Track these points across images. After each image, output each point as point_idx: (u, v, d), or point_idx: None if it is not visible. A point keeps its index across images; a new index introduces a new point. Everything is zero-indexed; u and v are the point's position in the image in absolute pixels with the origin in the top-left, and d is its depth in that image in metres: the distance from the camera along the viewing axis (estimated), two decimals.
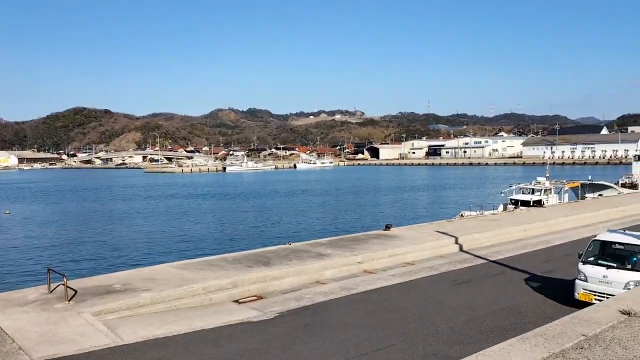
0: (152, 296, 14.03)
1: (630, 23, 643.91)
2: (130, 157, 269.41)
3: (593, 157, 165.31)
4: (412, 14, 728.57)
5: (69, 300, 13.51)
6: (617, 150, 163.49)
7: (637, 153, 59.41)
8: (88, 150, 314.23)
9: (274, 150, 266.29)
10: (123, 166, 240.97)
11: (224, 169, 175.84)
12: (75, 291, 14.30)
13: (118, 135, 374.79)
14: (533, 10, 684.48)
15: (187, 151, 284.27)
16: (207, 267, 17.45)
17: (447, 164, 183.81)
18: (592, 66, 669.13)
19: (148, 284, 15.16)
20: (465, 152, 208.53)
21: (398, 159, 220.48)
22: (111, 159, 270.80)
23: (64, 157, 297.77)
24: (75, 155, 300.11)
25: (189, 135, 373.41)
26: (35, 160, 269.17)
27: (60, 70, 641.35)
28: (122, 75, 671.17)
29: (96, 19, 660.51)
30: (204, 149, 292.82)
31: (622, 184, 50.70)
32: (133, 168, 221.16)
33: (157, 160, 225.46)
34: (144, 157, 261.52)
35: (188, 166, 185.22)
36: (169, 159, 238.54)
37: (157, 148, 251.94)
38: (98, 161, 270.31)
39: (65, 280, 13.66)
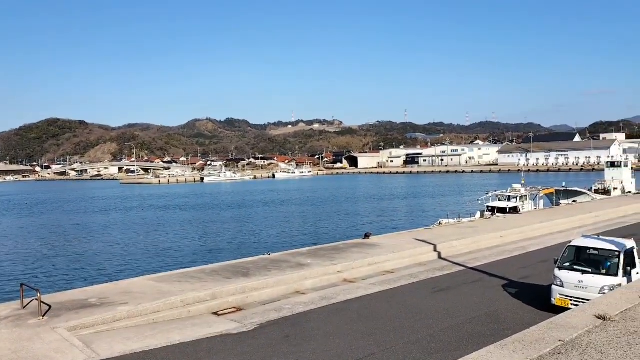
0: (129, 310, 13.80)
1: (601, 34, 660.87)
2: (105, 168, 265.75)
3: (566, 164, 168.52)
4: (388, 25, 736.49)
5: (43, 316, 13.21)
6: (589, 157, 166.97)
7: (609, 160, 60.79)
8: (62, 162, 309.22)
9: (252, 160, 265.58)
10: (98, 178, 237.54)
11: (202, 179, 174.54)
12: (50, 306, 13.99)
13: (93, 147, 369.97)
14: (506, 22, 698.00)
15: (164, 162, 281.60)
16: (185, 279, 17.25)
17: (425, 172, 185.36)
18: (564, 76, 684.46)
19: (125, 298, 14.91)
20: (442, 160, 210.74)
21: (376, 167, 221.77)
22: (86, 170, 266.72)
23: (38, 169, 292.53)
24: (50, 167, 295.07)
25: (166, 146, 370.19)
26: (7, 172, 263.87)
27: (33, 81, 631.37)
28: (97, 85, 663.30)
29: (70, 28, 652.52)
30: (181, 159, 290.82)
31: (595, 190, 51.71)
32: (109, 179, 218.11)
33: (133, 171, 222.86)
34: (120, 169, 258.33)
35: (165, 177, 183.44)
36: (146, 170, 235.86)
37: (133, 159, 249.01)
38: (73, 173, 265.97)
39: (39, 295, 13.36)
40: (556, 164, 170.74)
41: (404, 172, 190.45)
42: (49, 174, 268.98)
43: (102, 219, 61.99)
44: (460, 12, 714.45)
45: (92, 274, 29.87)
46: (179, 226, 52.70)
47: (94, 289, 16.61)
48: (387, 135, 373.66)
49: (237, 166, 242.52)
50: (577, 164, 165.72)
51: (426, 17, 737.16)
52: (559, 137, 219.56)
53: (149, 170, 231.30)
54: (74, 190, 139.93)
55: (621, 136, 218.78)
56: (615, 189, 51.28)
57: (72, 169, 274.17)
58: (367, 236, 25.29)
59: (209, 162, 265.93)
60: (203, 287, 15.98)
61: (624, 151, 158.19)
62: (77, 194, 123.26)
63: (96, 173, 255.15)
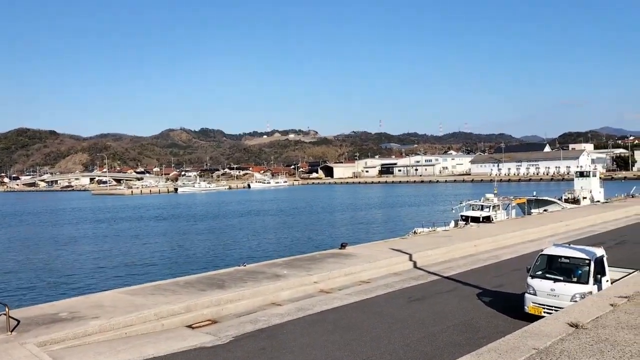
0: (101, 324, 13.49)
1: (569, 48, 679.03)
2: (77, 179, 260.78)
3: (537, 174, 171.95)
4: (363, 36, 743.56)
5: (11, 331, 12.81)
6: (559, 167, 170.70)
7: (578, 170, 62.29)
8: (32, 173, 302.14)
9: (227, 170, 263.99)
10: (69, 189, 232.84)
11: (176, 190, 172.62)
12: (18, 321, 13.59)
13: (64, 157, 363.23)
14: (477, 36, 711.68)
15: (137, 172, 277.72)
16: (159, 291, 16.97)
17: (400, 182, 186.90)
18: (534, 87, 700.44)
19: (96, 311, 14.59)
20: (416, 170, 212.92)
21: (352, 177, 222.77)
22: (57, 181, 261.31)
23: (6, 180, 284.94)
24: (18, 178, 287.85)
25: (139, 156, 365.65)
26: None
27: (2, 90, 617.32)
28: (68, 95, 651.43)
29: (40, 36, 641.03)
30: (154, 169, 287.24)
31: (565, 199, 52.79)
32: (80, 190, 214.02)
33: (105, 182, 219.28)
34: (92, 179, 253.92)
35: (138, 187, 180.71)
36: (118, 181, 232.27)
37: (105, 169, 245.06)
38: (43, 184, 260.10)
39: (7, 309, 12.98)
40: (527, 174, 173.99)
41: (379, 182, 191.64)
42: (17, 185, 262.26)
43: (73, 231, 60.68)
44: (434, 24, 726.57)
45: (62, 287, 29.17)
46: (152, 238, 51.91)
47: (64, 302, 16.20)
48: (362, 145, 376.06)
49: (212, 176, 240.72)
50: (547, 174, 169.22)
51: (401, 27, 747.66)
52: (529, 147, 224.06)
53: (122, 181, 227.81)
54: (44, 202, 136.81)
55: (589, 146, 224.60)
56: (584, 198, 52.44)
57: (42, 180, 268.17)
58: (343, 246, 25.31)
59: (183, 173, 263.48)
60: (177, 300, 15.74)
61: (592, 161, 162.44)
62: (47, 205, 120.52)
63: (67, 184, 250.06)
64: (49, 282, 31.10)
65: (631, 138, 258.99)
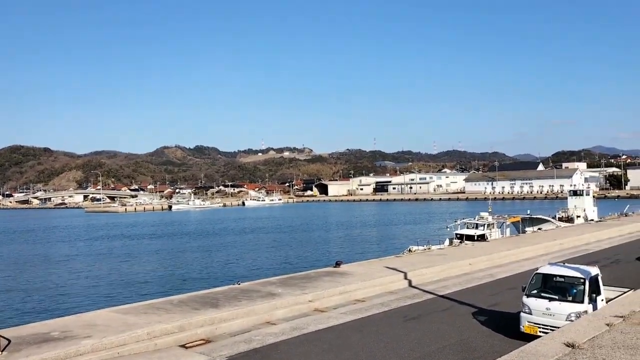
0: (93, 343, 13.32)
1: (560, 67, 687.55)
2: (70, 196, 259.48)
3: (531, 192, 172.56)
4: (357, 54, 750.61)
5: (2, 351, 12.63)
6: (553, 186, 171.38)
7: (572, 188, 62.60)
8: (25, 190, 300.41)
9: (221, 187, 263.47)
10: (63, 206, 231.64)
11: (170, 207, 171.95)
12: (9, 340, 13.39)
13: (58, 174, 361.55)
14: (470, 54, 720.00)
15: (131, 189, 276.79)
16: (152, 310, 16.81)
17: (394, 199, 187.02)
18: (527, 106, 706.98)
19: (89, 331, 14.41)
20: (411, 187, 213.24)
21: (346, 195, 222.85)
22: (50, 198, 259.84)
23: None
24: (12, 196, 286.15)
25: (134, 174, 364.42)
26: None
27: None
28: (63, 112, 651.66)
29: (35, 52, 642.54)
30: (149, 187, 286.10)
31: (559, 217, 52.94)
32: (73, 208, 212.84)
33: (99, 200, 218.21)
34: (85, 197, 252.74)
35: (132, 205, 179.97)
36: (112, 198, 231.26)
37: (99, 187, 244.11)
38: (36, 201, 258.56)
39: None
40: (521, 192, 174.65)
41: (373, 200, 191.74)
42: (10, 202, 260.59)
43: (66, 249, 60.21)
44: (426, 42, 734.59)
45: (54, 306, 28.85)
46: (145, 256, 51.56)
47: (56, 322, 16.01)
48: (356, 163, 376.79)
49: (207, 194, 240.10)
50: (541, 192, 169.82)
51: (394, 46, 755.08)
52: (523, 165, 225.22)
53: (115, 199, 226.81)
54: (37, 219, 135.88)
55: (582, 165, 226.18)
56: (578, 216, 52.62)
57: (35, 197, 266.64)
58: (337, 264, 25.22)
59: (177, 190, 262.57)
60: (170, 319, 15.59)
61: (586, 180, 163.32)
62: (40, 222, 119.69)
63: (60, 201, 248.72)
64: (41, 301, 30.76)
65: (624, 157, 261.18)
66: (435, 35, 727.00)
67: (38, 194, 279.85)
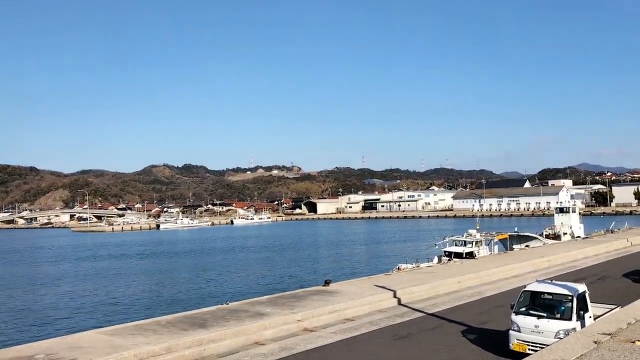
0: None
1: (545, 86, 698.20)
2: (56, 216, 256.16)
3: (518, 210, 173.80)
4: (343, 72, 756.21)
5: None
6: (539, 203, 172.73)
7: (558, 206, 63.15)
8: (11, 210, 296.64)
9: (210, 206, 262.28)
10: (49, 226, 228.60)
11: (158, 226, 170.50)
12: None
13: (44, 194, 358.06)
14: (455, 74, 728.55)
15: (119, 209, 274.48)
16: (139, 332, 16.61)
17: (383, 217, 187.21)
18: (512, 125, 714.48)
19: (74, 353, 14.20)
20: (399, 205, 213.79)
21: (335, 213, 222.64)
22: (36, 218, 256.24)
23: None
24: None
25: (121, 192, 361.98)
26: None
27: None
28: (49, 131, 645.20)
29: (21, 70, 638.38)
30: (136, 206, 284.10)
31: (546, 235, 53.26)
32: (60, 227, 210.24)
33: (85, 219, 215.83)
34: (72, 216, 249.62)
35: (119, 224, 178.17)
36: (99, 217, 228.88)
37: (85, 206, 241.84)
38: (21, 221, 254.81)
39: None
40: (508, 210, 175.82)
41: (362, 218, 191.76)
42: None
43: (51, 270, 59.35)
44: (414, 60, 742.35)
45: (39, 328, 28.36)
46: (132, 276, 50.98)
47: (41, 344, 15.76)
48: (345, 181, 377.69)
49: (195, 212, 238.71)
50: (528, 209, 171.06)
51: (382, 64, 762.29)
52: (510, 183, 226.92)
53: (102, 218, 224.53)
54: (22, 239, 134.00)
55: (568, 182, 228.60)
56: (565, 234, 53.02)
57: (21, 217, 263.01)
58: (327, 283, 25.13)
59: (165, 209, 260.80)
60: (158, 340, 15.41)
61: (572, 197, 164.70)
62: (25, 243, 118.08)
63: (46, 221, 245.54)
64: (26, 322, 30.23)
65: (608, 174, 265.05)
66: (422, 55, 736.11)
67: (23, 213, 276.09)
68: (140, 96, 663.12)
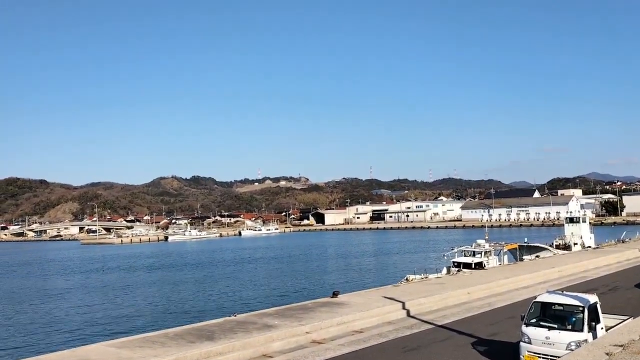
0: None
1: (551, 94, 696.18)
2: (66, 228, 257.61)
3: (527, 220, 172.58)
4: (349, 83, 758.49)
5: None
6: (549, 213, 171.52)
7: (568, 216, 62.66)
8: (21, 223, 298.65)
9: (218, 217, 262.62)
10: (58, 238, 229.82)
11: (166, 238, 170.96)
12: None
13: (54, 206, 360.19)
14: (462, 84, 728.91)
15: (128, 221, 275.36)
16: (147, 344, 16.58)
17: (391, 228, 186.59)
18: (520, 134, 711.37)
19: None
20: (407, 216, 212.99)
21: (343, 224, 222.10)
22: (45, 231, 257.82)
23: None
24: (7, 228, 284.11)
25: (130, 205, 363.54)
26: None
27: None
28: (59, 143, 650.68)
29: (31, 85, 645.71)
30: (145, 218, 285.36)
31: (556, 245, 52.81)
32: (69, 240, 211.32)
33: (94, 231, 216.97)
34: (81, 229, 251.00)
35: (128, 236, 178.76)
36: (108, 230, 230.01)
37: (94, 218, 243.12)
38: (31, 234, 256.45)
39: None
40: (517, 220, 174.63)
41: (370, 229, 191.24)
42: (5, 235, 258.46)
43: (61, 282, 59.56)
44: (418, 71, 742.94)
45: (48, 340, 28.40)
46: (141, 288, 51.04)
47: (49, 357, 15.79)
48: (353, 191, 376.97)
49: (203, 224, 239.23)
50: (537, 219, 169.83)
51: (384, 79, 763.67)
52: (518, 193, 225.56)
53: (111, 230, 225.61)
54: (32, 252, 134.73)
55: (578, 192, 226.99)
56: (575, 244, 52.53)
57: (31, 230, 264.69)
58: (335, 295, 25.02)
59: (173, 221, 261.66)
60: (165, 353, 15.37)
61: (582, 206, 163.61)
62: (35, 255, 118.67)
63: (56, 233, 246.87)
64: (35, 335, 30.30)
65: (618, 183, 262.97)
66: (429, 64, 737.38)
67: (33, 226, 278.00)
68: (149, 109, 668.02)
